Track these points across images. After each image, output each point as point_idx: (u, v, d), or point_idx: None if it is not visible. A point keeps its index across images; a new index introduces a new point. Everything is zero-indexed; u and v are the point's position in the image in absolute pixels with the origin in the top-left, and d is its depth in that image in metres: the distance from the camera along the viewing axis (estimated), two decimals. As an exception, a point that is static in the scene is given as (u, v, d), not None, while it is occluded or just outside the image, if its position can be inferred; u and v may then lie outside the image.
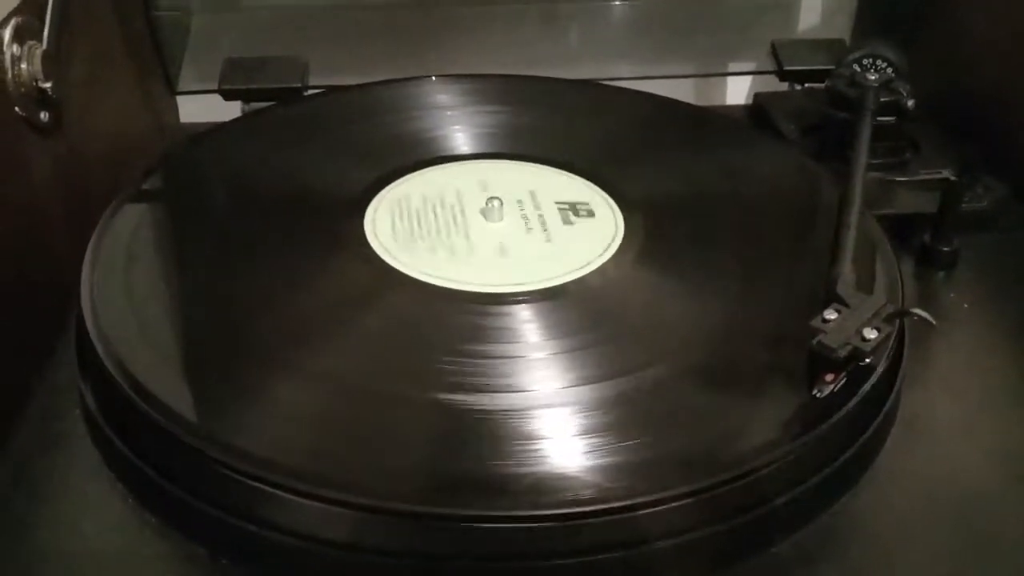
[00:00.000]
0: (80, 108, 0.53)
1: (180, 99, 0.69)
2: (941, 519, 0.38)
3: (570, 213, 0.49)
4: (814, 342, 0.38)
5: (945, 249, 0.51)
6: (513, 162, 0.53)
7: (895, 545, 0.37)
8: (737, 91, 0.80)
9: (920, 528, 0.38)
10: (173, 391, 0.38)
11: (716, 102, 0.78)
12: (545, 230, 0.48)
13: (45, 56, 0.48)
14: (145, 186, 0.50)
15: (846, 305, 0.39)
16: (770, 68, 0.68)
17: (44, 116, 0.49)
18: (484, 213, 0.48)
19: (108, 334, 0.40)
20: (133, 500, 0.38)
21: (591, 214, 0.49)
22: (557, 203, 0.50)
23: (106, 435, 0.39)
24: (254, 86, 0.61)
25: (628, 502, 0.34)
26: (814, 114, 0.60)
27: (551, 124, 0.57)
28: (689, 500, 0.35)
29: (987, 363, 0.46)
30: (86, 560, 0.36)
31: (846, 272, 0.42)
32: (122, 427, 0.39)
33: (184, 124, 0.69)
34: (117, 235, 0.46)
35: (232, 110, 0.62)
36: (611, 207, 0.49)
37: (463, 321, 0.42)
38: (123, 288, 0.43)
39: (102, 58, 0.58)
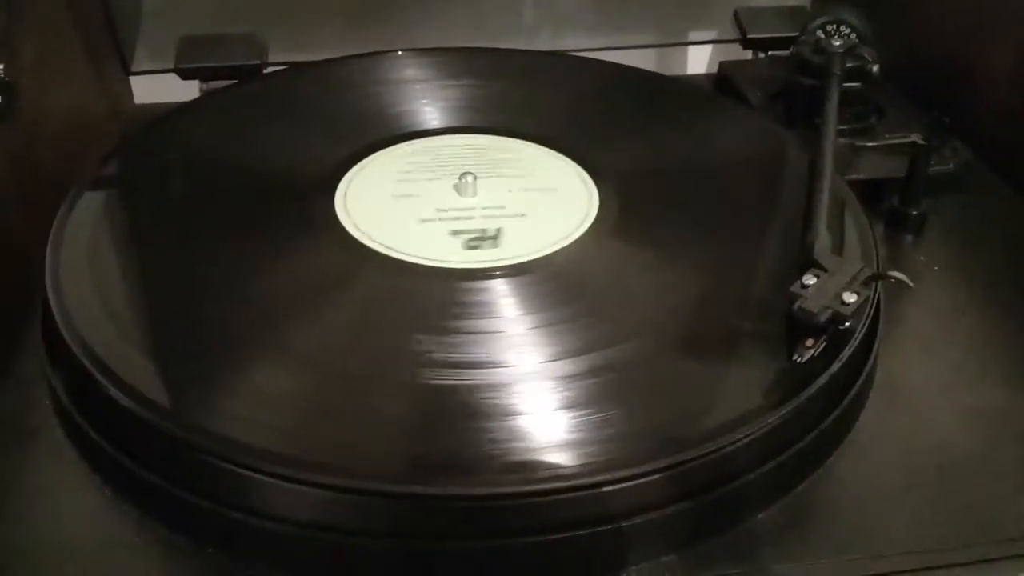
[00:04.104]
0: (33, 91, 0.51)
1: (134, 79, 0.68)
2: (921, 481, 0.38)
3: (543, 186, 0.49)
4: (794, 307, 0.38)
5: (914, 212, 0.52)
6: (484, 136, 0.53)
7: (877, 509, 0.37)
8: (697, 60, 0.80)
9: (900, 491, 0.38)
10: (146, 377, 0.37)
11: (677, 71, 0.78)
12: (519, 204, 0.47)
13: (-6, 38, 0.47)
14: (106, 171, 0.49)
15: (824, 270, 0.39)
16: (731, 37, 0.68)
17: (-4, 101, 0.47)
18: (457, 188, 0.48)
19: (76, 323, 0.39)
20: (109, 491, 0.37)
21: (565, 187, 0.49)
22: (530, 176, 0.49)
23: (79, 425, 0.38)
24: (212, 64, 0.60)
25: (609, 476, 0.34)
26: (779, 81, 0.60)
27: (521, 97, 0.56)
28: (672, 472, 0.35)
29: (959, 324, 0.46)
30: (64, 553, 0.35)
31: (822, 237, 0.42)
32: (95, 416, 0.38)
33: (139, 105, 0.68)
34: (79, 222, 0.45)
35: (189, 90, 0.60)
36: (584, 179, 0.49)
37: (438, 298, 0.41)
38: (89, 276, 0.42)
39: (53, 39, 0.57)
